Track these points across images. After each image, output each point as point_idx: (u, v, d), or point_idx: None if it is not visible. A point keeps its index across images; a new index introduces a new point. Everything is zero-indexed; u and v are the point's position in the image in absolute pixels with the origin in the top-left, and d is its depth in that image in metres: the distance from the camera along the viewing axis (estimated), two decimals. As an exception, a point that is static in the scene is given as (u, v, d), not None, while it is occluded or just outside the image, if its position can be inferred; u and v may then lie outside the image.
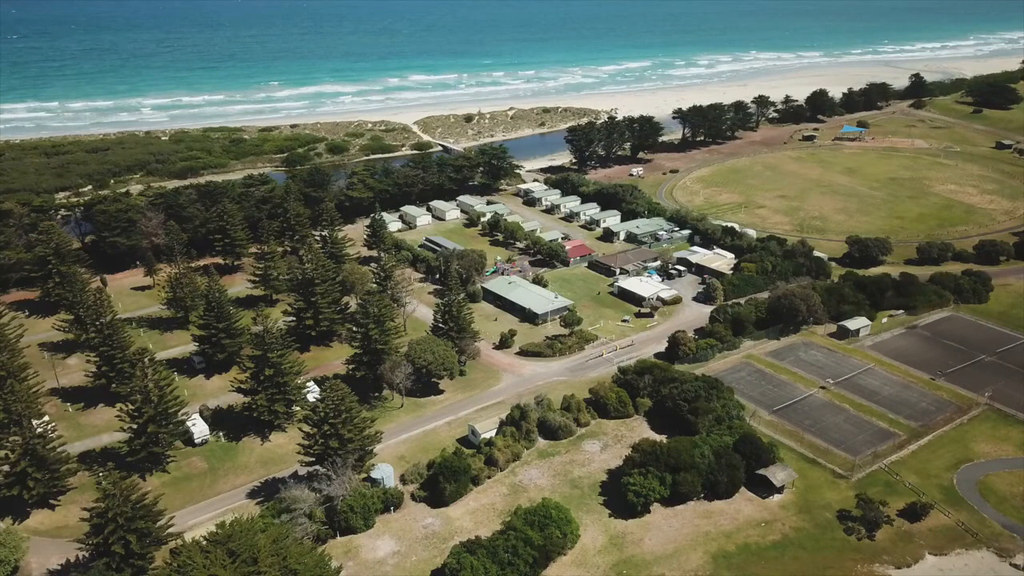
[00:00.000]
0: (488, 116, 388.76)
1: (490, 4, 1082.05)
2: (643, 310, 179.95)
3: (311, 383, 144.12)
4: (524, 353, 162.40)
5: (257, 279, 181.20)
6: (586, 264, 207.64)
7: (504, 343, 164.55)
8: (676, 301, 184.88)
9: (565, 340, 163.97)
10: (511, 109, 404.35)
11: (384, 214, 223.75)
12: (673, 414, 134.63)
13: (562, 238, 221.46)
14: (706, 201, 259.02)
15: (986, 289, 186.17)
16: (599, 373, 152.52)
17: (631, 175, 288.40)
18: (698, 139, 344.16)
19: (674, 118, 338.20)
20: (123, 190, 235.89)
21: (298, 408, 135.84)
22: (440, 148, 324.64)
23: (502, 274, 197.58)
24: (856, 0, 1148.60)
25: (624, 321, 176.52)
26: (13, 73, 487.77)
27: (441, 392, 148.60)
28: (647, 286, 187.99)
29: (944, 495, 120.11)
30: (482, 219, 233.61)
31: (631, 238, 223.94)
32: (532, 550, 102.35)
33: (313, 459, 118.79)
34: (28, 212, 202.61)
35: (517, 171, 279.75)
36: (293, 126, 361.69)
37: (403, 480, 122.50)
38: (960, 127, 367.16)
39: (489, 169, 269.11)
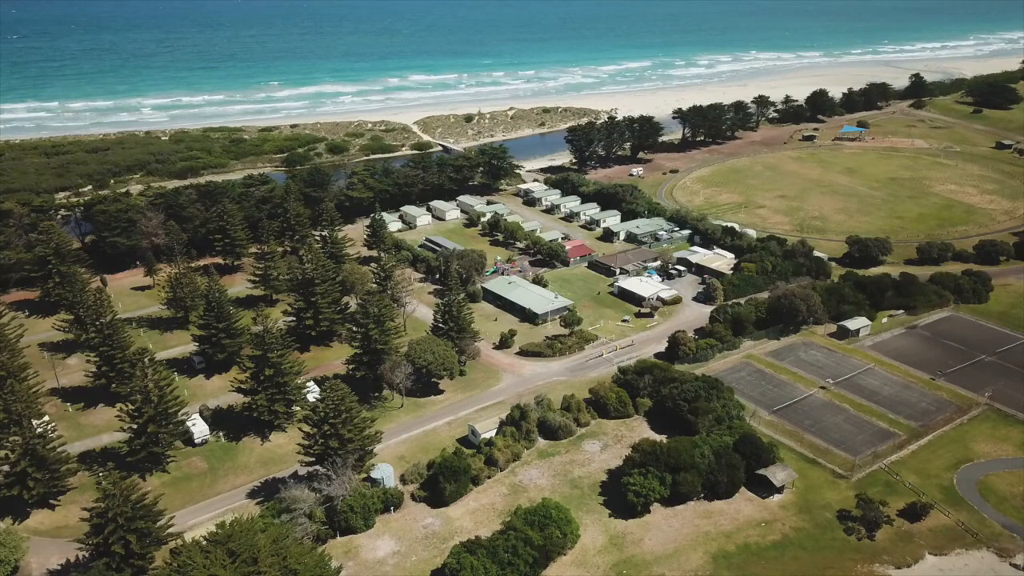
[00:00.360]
0: (488, 116, 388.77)
1: (490, 4, 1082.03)
2: (643, 310, 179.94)
3: (311, 383, 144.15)
4: (524, 353, 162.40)
5: (257, 279, 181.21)
6: (586, 264, 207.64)
7: (504, 343, 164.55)
8: (676, 301, 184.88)
9: (565, 340, 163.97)
10: (511, 109, 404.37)
11: (384, 214, 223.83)
12: (673, 414, 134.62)
13: (562, 238, 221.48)
14: (706, 201, 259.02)
15: (986, 289, 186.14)
16: (599, 373, 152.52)
17: (631, 175, 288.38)
18: (698, 139, 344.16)
19: (674, 118, 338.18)
20: (123, 190, 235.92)
21: (298, 408, 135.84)
22: (440, 148, 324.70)
23: (502, 274, 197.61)
24: (856, 0, 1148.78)
25: (624, 321, 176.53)
26: (13, 73, 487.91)
27: (441, 392, 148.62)
28: (647, 286, 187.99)
29: (944, 495, 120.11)
30: (482, 219, 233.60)
31: (631, 238, 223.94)
32: (532, 550, 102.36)
33: (313, 459, 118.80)
34: (28, 212, 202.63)
35: (517, 171, 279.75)
36: (293, 126, 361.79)
37: (403, 480, 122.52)
38: (960, 127, 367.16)
39: (489, 169, 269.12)
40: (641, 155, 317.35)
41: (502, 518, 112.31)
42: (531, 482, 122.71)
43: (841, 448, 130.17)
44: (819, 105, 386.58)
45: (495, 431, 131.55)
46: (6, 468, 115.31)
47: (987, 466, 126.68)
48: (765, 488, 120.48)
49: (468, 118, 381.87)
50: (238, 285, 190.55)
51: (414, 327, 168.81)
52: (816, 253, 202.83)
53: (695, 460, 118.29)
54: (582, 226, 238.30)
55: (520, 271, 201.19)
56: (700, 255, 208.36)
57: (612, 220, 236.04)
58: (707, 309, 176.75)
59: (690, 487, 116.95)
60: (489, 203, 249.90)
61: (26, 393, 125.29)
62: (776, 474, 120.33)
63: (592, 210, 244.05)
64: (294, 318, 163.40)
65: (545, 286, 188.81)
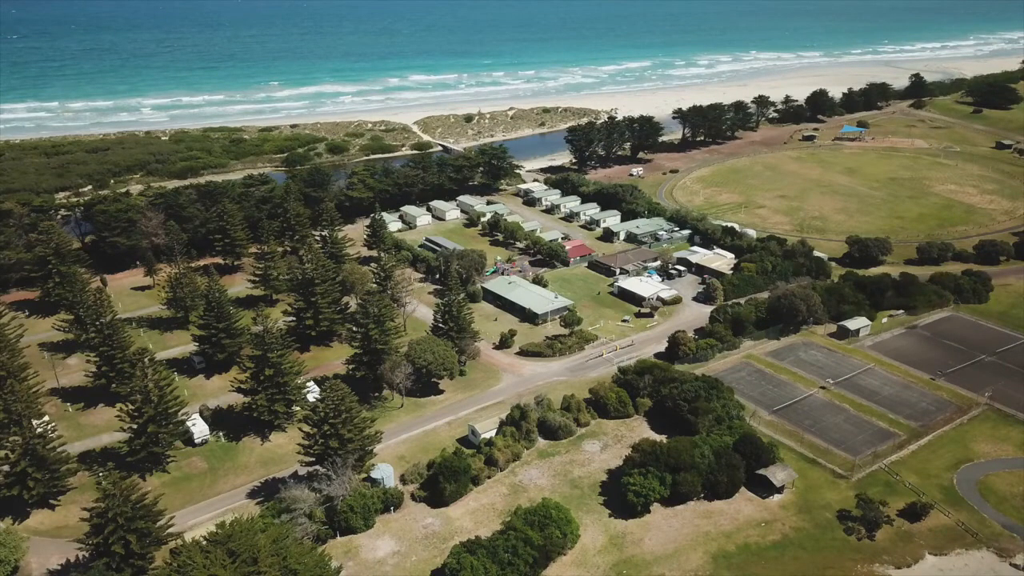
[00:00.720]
0: (488, 116, 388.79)
1: (490, 4, 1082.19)
2: (643, 310, 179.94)
3: (311, 383, 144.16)
4: (524, 353, 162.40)
5: (257, 279, 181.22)
6: (586, 264, 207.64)
7: (504, 343, 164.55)
8: (676, 301, 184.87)
9: (565, 340, 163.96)
10: (511, 109, 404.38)
11: (384, 214, 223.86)
12: (673, 414, 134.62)
13: (562, 238, 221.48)
14: (706, 201, 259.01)
15: (986, 289, 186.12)
16: (599, 373, 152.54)
17: (631, 175, 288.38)
18: (698, 139, 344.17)
19: (674, 118, 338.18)
20: (123, 190, 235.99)
21: (298, 408, 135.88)
22: (440, 148, 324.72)
23: (502, 274, 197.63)
24: (856, 0, 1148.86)
25: (624, 321, 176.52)
26: (13, 73, 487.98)
27: (441, 392, 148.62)
28: (647, 286, 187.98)
29: (944, 495, 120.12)
30: (482, 219, 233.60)
31: (631, 238, 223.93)
32: (532, 550, 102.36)
33: (313, 459, 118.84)
34: (28, 212, 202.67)
35: (517, 171, 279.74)
36: (293, 126, 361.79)
37: (403, 480, 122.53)
38: (960, 127, 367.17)
39: (489, 169, 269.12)
40: (641, 155, 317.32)
41: (502, 518, 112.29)
42: (531, 482, 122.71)
43: (841, 448, 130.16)
44: (819, 105, 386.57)
45: (495, 431, 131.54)
46: (6, 468, 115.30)
47: (987, 466, 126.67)
48: (765, 488, 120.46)
49: (468, 118, 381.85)
50: (238, 285, 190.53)
51: (414, 327, 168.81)
52: (816, 253, 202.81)
53: (695, 460, 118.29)
54: (582, 226, 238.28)
55: (520, 271, 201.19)
56: (700, 255, 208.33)
57: (612, 220, 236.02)
58: (707, 309, 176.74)
59: (690, 487, 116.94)
60: (489, 203, 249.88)
61: (26, 393, 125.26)
62: (776, 474, 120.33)
63: (592, 210, 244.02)
64: (294, 318, 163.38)
65: (545, 286, 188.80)
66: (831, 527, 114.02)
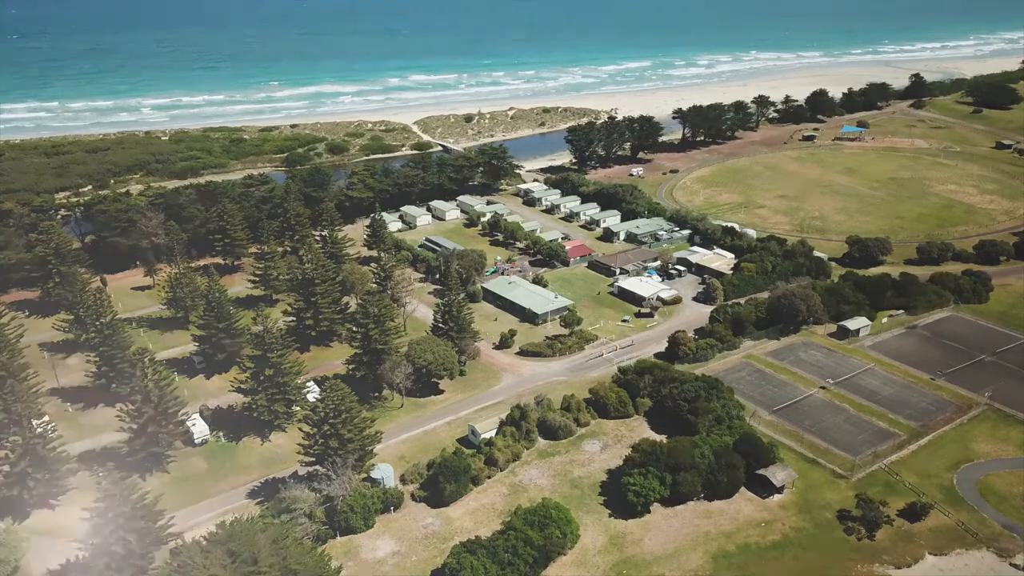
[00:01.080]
0: (488, 116, 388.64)
1: (490, 4, 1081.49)
2: (643, 310, 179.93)
3: (311, 383, 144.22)
4: (524, 353, 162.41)
5: (257, 279, 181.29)
6: (586, 264, 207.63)
7: (504, 343, 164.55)
8: (676, 301, 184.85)
9: (565, 340, 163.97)
10: (511, 109, 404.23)
11: (384, 214, 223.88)
12: (673, 414, 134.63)
13: (562, 238, 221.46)
14: (706, 201, 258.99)
15: (986, 289, 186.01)
16: (599, 373, 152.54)
17: (631, 175, 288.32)
18: (698, 139, 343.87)
19: (674, 118, 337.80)
20: (123, 190, 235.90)
21: (298, 408, 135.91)
22: (440, 148, 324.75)
23: (502, 274, 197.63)
24: (856, 0, 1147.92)
25: (624, 321, 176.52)
26: (13, 73, 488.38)
27: (441, 392, 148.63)
28: (647, 286, 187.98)
29: (944, 495, 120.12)
30: (482, 219, 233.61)
31: (631, 238, 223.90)
32: (532, 550, 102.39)
33: (313, 459, 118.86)
34: (28, 212, 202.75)
35: (517, 171, 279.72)
36: (293, 126, 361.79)
37: (403, 480, 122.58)
38: (960, 127, 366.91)
39: (489, 169, 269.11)
40: (641, 155, 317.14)
41: (502, 518, 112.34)
42: (531, 482, 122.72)
43: (841, 448, 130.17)
44: (819, 105, 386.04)
45: (495, 431, 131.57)
46: (6, 468, 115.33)
47: (987, 466, 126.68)
48: (765, 488, 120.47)
49: (468, 118, 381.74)
50: (238, 285, 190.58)
51: (414, 327, 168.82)
52: (816, 253, 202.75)
53: (695, 460, 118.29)
54: (582, 226, 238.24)
55: (520, 271, 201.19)
56: (700, 255, 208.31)
57: (612, 220, 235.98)
58: (707, 309, 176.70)
59: (690, 487, 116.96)
60: (489, 203, 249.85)
61: (26, 393, 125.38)
62: (776, 474, 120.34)
63: (592, 210, 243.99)
64: (294, 318, 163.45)
65: (545, 286, 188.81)
66: (831, 527, 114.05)
